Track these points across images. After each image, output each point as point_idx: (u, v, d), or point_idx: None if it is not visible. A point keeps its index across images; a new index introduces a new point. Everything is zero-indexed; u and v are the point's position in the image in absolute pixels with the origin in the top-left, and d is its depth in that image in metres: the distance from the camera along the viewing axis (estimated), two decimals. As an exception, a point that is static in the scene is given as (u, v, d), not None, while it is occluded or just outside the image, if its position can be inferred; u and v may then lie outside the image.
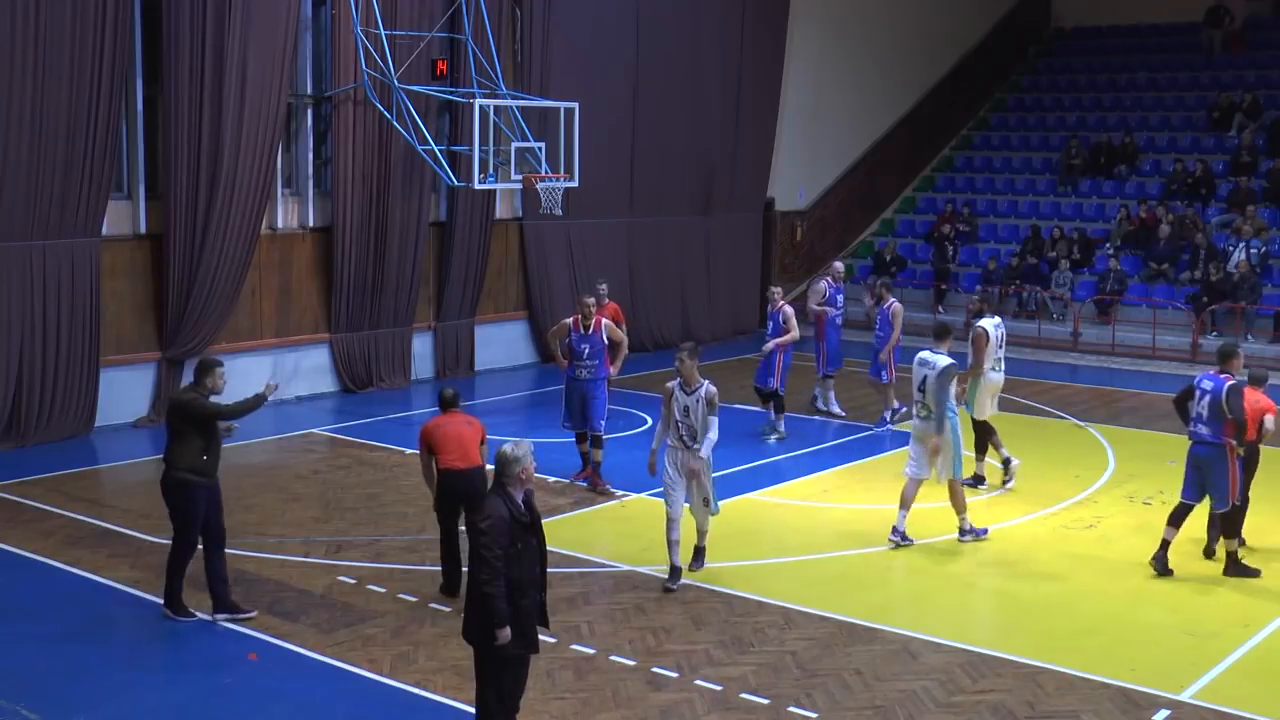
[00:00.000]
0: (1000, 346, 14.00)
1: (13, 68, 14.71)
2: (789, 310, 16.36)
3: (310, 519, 12.67)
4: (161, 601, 10.05)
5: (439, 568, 10.98)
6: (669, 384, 10.82)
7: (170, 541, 9.95)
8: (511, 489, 7.27)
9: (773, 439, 16.38)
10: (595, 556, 11.50)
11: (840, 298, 18.05)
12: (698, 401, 10.60)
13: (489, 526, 7.13)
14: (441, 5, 19.13)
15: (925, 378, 12.15)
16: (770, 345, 16.27)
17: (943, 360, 12.14)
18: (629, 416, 17.32)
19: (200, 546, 9.86)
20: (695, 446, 10.59)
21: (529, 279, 21.59)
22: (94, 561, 11.22)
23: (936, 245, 26.71)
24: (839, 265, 18.64)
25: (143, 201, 16.77)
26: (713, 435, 10.64)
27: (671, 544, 10.77)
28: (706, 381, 10.73)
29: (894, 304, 16.84)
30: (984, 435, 14.18)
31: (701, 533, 11.18)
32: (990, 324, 13.96)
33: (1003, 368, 14.16)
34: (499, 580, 7.10)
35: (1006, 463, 14.13)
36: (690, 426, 10.61)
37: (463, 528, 9.75)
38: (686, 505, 10.88)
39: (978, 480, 14.09)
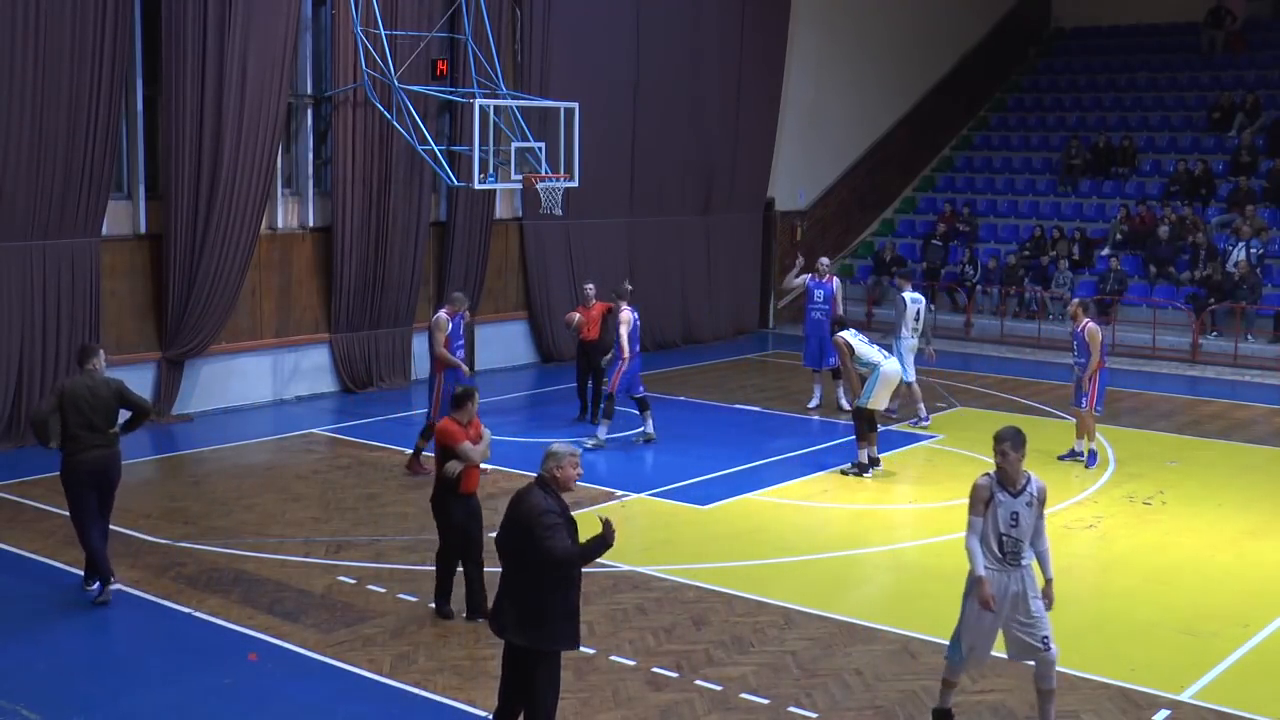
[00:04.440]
0: (872, 345, 15.11)
1: (13, 68, 14.71)
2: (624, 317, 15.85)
3: (310, 519, 12.67)
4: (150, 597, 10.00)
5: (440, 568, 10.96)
6: (981, 481, 8.04)
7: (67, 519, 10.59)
8: (550, 484, 7.21)
9: (595, 439, 15.61)
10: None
11: (820, 293, 17.94)
12: (1029, 504, 7.94)
13: (551, 522, 7.02)
14: (441, 5, 19.13)
15: (919, 311, 17.15)
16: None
17: (920, 297, 17.46)
18: (629, 417, 17.32)
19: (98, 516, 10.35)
20: (1024, 564, 8.00)
21: (529, 279, 21.59)
22: (94, 561, 11.20)
23: (928, 246, 26.77)
24: (823, 260, 18.63)
25: (143, 201, 16.77)
26: (1048, 545, 8.13)
27: (950, 687, 8.38)
28: (1032, 474, 8.10)
29: (1089, 324, 15.04)
30: (870, 423, 14.64)
31: (1049, 693, 8.17)
32: (849, 334, 14.96)
33: (889, 356, 15.27)
34: (573, 549, 7.03)
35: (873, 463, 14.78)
36: (1016, 540, 7.91)
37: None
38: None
39: (873, 463, 14.62)
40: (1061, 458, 15.18)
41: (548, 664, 7.22)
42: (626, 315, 15.71)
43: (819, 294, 17.97)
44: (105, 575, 10.26)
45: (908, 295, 17.29)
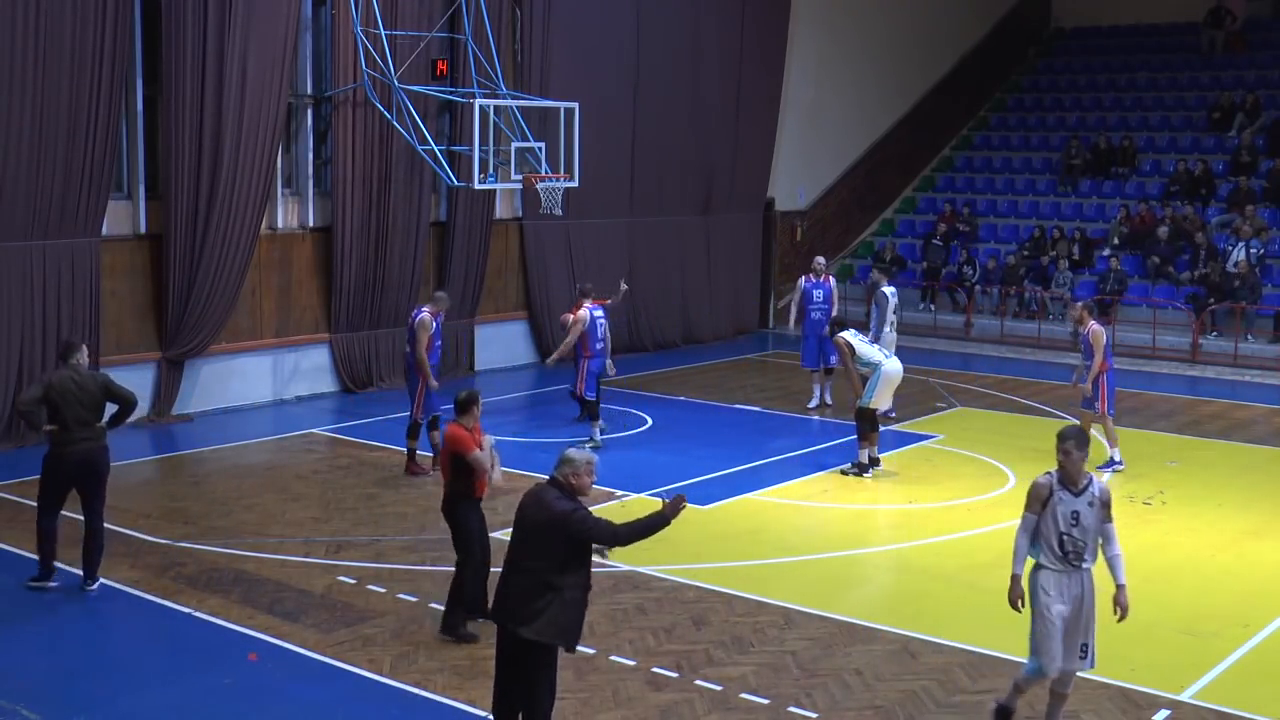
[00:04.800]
0: (873, 342, 15.18)
1: (13, 68, 14.71)
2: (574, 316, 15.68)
3: (310, 519, 12.67)
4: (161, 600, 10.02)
5: (440, 568, 10.95)
6: (1041, 480, 7.94)
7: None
8: (564, 487, 7.20)
9: (591, 441, 15.54)
10: (595, 556, 11.46)
11: (819, 293, 18.05)
12: (1091, 504, 7.85)
13: (580, 513, 7.10)
14: (441, 5, 19.13)
15: (895, 305, 17.50)
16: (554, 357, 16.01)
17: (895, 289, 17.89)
18: (628, 417, 17.33)
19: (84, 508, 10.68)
20: (1086, 566, 7.89)
21: (529, 279, 21.60)
22: (94, 561, 11.21)
23: (928, 246, 26.80)
24: (819, 260, 18.67)
25: (143, 201, 16.77)
26: (1119, 550, 8.00)
27: (1020, 692, 8.21)
28: (1094, 475, 8.04)
29: (1094, 326, 14.95)
30: (872, 423, 14.66)
31: (1062, 697, 8.19)
32: (850, 335, 14.91)
33: (893, 355, 15.23)
34: (632, 525, 7.15)
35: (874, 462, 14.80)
36: (1077, 540, 7.84)
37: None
38: None
39: (873, 463, 14.62)
40: None
41: (548, 664, 7.24)
42: (581, 314, 15.57)
43: (817, 294, 18.03)
44: (49, 569, 10.58)
45: (888, 289, 17.54)
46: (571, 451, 7.32)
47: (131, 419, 16.20)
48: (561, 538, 7.08)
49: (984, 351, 23.84)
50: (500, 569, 7.47)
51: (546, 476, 7.38)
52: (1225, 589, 11.15)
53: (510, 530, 7.46)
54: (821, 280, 18.14)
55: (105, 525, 10.79)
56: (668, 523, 7.15)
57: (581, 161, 18.96)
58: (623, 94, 22.31)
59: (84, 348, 10.75)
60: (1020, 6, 33.13)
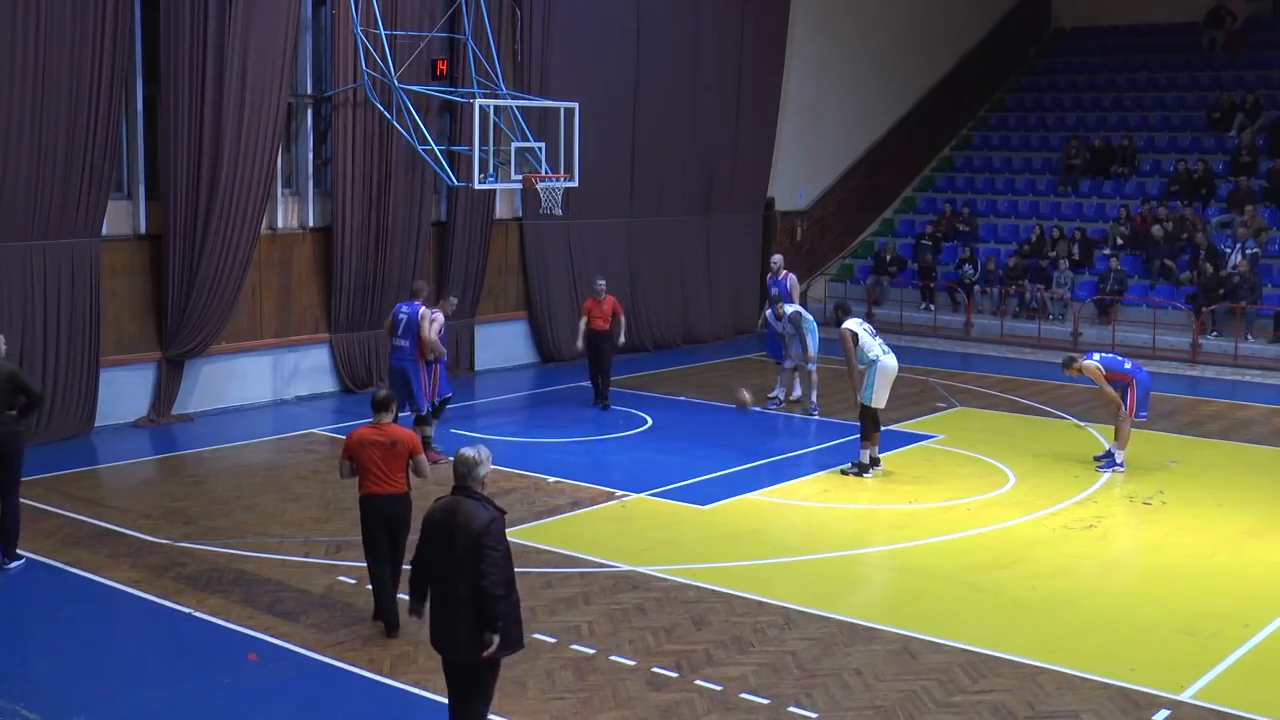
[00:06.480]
0: (875, 337, 14.76)
1: (13, 68, 14.70)
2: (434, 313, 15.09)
3: (310, 519, 12.67)
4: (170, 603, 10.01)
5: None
6: None
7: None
8: (477, 492, 7.19)
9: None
10: (595, 556, 11.49)
11: (774, 290, 18.31)
12: None
13: (494, 527, 7.03)
14: (441, 5, 19.13)
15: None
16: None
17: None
18: (629, 416, 17.33)
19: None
20: None
21: (529, 279, 21.59)
22: (94, 561, 11.21)
23: (918, 246, 26.79)
24: (776, 258, 18.98)
25: (143, 201, 16.77)
26: None
27: None
28: None
29: (1085, 364, 14.79)
30: (874, 423, 14.62)
31: None
32: (854, 324, 14.79)
33: (891, 350, 14.84)
34: (504, 583, 7.04)
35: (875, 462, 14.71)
36: None
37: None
38: None
39: (873, 463, 14.57)
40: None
41: (495, 674, 7.34)
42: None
43: (773, 291, 18.44)
44: (10, 551, 11.00)
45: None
46: (464, 450, 7.30)
47: (130, 419, 16.54)
48: (479, 556, 7.02)
49: (984, 351, 23.82)
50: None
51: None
52: (1225, 589, 11.14)
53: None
54: (779, 278, 18.48)
55: (111, 528, 10.80)
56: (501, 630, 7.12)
57: (581, 161, 18.94)
58: (623, 94, 22.30)
59: (1, 338, 11.15)
60: (1020, 6, 33.12)
